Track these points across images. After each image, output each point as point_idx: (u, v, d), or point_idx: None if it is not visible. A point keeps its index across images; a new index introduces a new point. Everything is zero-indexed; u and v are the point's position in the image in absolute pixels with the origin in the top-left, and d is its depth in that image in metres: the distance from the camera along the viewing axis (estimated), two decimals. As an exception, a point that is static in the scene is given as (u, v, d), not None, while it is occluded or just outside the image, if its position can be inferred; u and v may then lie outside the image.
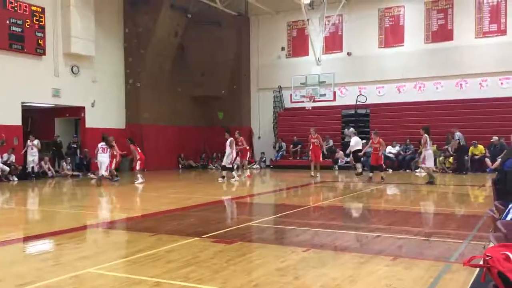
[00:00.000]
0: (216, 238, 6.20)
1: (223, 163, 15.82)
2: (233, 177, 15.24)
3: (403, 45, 21.93)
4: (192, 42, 22.99)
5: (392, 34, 22.14)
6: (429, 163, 13.96)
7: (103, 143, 14.88)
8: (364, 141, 16.86)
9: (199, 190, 13.66)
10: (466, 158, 18.28)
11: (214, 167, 22.31)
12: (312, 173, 16.49)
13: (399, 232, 6.68)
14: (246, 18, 24.66)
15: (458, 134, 18.02)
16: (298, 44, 23.93)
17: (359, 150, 16.02)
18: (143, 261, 5.11)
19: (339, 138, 21.86)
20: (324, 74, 21.39)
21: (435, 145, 19.12)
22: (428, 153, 13.78)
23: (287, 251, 5.58)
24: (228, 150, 15.25)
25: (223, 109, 24.32)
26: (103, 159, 14.68)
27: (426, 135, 13.58)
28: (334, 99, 21.33)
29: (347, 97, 22.71)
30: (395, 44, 22.07)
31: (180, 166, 22.83)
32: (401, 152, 20.03)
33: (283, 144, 22.83)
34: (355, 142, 16.14)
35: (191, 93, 23.61)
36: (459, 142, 17.92)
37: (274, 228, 7.40)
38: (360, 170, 16.06)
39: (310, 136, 17.16)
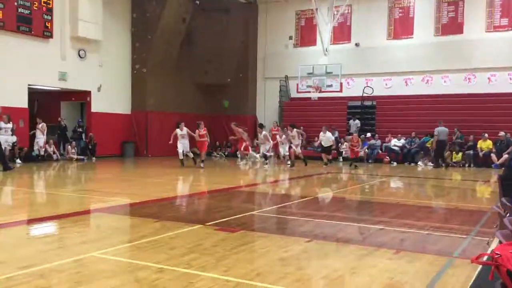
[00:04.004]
0: (219, 226, 6.21)
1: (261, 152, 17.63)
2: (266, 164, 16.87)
3: (412, 37, 21.75)
4: (199, 29, 22.87)
5: (401, 26, 21.94)
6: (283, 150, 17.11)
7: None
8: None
9: (202, 177, 13.68)
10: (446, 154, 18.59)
11: (218, 155, 22.31)
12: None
13: (402, 226, 6.67)
14: (255, 6, 24.49)
15: (437, 129, 17.96)
16: (306, 34, 23.78)
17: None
18: (147, 246, 5.13)
19: (345, 130, 21.78)
20: (331, 64, 21.24)
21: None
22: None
23: (290, 241, 5.58)
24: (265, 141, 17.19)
25: (229, 97, 24.26)
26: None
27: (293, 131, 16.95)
28: (341, 90, 21.22)
29: (353, 89, 22.60)
30: (404, 36, 21.88)
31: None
32: (406, 145, 19.96)
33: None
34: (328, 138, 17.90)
35: (197, 80, 23.55)
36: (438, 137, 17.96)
37: (277, 218, 7.40)
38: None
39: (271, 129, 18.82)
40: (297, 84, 22.35)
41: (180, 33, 22.18)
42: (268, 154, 17.23)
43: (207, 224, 6.31)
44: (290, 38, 24.13)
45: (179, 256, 4.70)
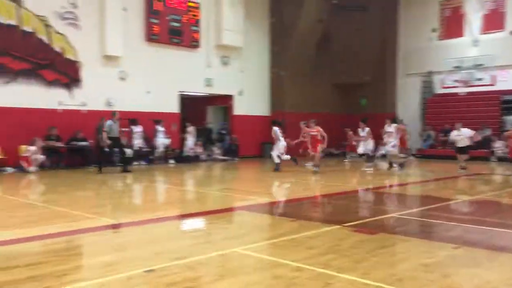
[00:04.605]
0: (357, 228, 6.08)
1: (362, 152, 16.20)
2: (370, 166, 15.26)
3: None
4: (336, 28, 22.68)
5: None
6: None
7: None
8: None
9: (338, 178, 13.54)
10: None
11: (352, 156, 21.71)
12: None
13: None
14: (394, 0, 23.50)
15: None
16: (452, 25, 22.11)
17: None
18: (285, 245, 5.24)
19: (498, 127, 19.75)
20: (481, 56, 19.46)
21: None
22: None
23: (434, 246, 5.24)
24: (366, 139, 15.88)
25: (367, 95, 23.64)
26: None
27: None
28: (493, 84, 19.31)
29: (509, 81, 20.38)
30: None
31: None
32: None
33: (431, 132, 21.43)
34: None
35: (334, 80, 23.40)
36: None
37: (420, 221, 6.99)
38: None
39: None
40: (442, 79, 20.95)
41: (317, 34, 22.25)
42: (368, 153, 15.91)
43: (345, 225, 6.22)
44: (434, 30, 22.64)
45: (317, 256, 4.71)
